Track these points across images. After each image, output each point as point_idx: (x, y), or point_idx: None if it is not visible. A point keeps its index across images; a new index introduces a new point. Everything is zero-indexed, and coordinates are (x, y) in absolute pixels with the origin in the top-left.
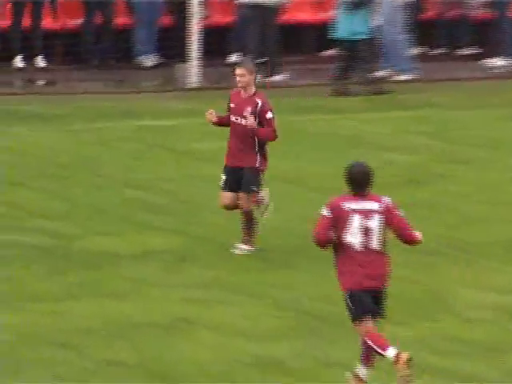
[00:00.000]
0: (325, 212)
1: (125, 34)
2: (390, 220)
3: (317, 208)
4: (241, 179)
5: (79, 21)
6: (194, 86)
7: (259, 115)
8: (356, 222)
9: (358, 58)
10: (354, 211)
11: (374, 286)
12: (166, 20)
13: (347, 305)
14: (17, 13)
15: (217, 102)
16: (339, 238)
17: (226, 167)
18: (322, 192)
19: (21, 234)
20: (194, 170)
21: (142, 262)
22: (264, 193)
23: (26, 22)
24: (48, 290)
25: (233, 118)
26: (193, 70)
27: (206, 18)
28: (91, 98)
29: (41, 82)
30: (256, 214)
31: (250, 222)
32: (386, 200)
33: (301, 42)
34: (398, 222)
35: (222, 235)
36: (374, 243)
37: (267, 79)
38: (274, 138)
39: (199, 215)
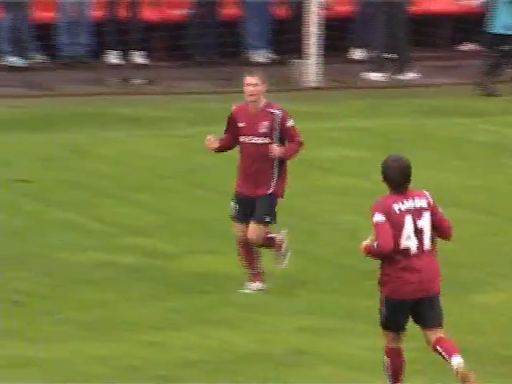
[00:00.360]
0: (380, 217)
1: (233, 26)
2: (434, 216)
3: (469, 232)
4: (253, 208)
5: (183, 12)
6: (312, 85)
7: (281, 128)
8: (409, 223)
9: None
10: (407, 212)
11: (434, 291)
12: (280, 11)
13: (383, 310)
14: (112, 2)
15: (338, 103)
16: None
17: (237, 195)
18: (465, 208)
19: (115, 253)
20: (313, 181)
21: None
22: (282, 236)
23: (122, 12)
24: (145, 316)
25: (244, 139)
26: (311, 67)
27: (327, 8)
28: (195, 98)
29: (138, 81)
30: (275, 262)
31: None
32: (428, 195)
33: (434, 36)
34: (440, 217)
35: (344, 256)
36: (427, 244)
37: (394, 76)
38: (301, 149)
39: (319, 233)
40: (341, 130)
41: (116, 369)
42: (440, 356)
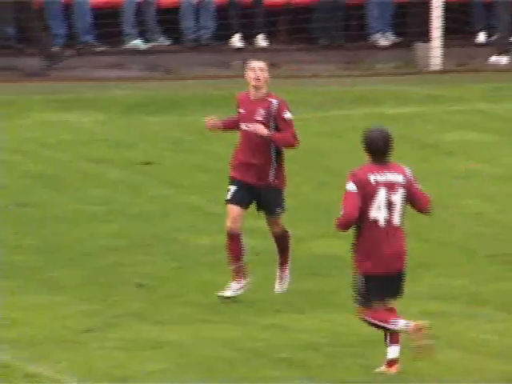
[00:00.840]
0: (351, 187)
1: (357, 9)
2: (410, 193)
3: None
4: (252, 197)
5: None
6: (437, 68)
7: (275, 117)
8: (382, 196)
9: None
10: (380, 184)
11: (399, 268)
12: None
13: (358, 288)
14: None
15: (462, 86)
16: (364, 214)
17: (234, 180)
18: None
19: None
20: (439, 165)
21: None
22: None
23: None
24: (267, 299)
25: (243, 126)
26: (435, 50)
27: None
28: (320, 82)
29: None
30: (276, 283)
31: (286, 245)
32: (408, 172)
33: None
34: (418, 195)
35: (469, 240)
36: (396, 219)
37: None
38: (294, 143)
39: (443, 217)
40: (465, 113)
41: (239, 351)
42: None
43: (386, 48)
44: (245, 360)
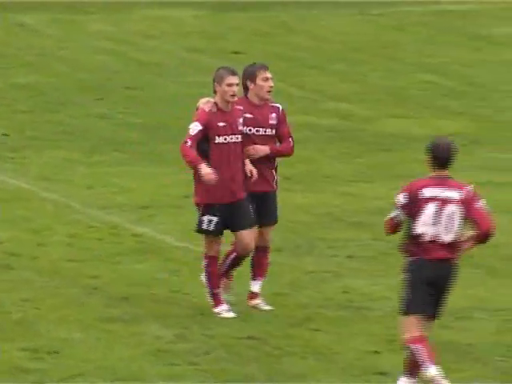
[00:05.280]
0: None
1: None
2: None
3: None
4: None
5: None
6: None
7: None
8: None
9: None
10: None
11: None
12: None
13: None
14: None
15: None
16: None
17: (216, 203)
18: None
19: (317, 116)
20: (491, 55)
21: None
22: None
23: None
24: (341, 171)
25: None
26: None
27: None
28: None
29: None
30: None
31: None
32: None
33: None
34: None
35: None
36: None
37: None
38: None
39: (494, 98)
40: None
41: (316, 216)
42: None
43: None
44: (318, 224)
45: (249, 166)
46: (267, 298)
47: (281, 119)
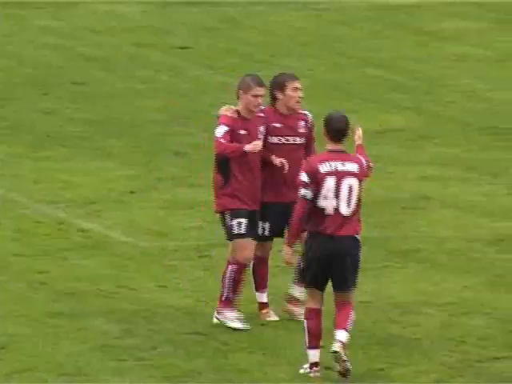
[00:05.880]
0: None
1: None
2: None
3: None
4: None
5: None
6: None
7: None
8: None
9: None
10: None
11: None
12: None
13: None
14: None
15: None
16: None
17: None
18: None
19: None
20: (437, 50)
21: (382, 139)
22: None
23: None
24: None
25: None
26: None
27: None
28: None
29: None
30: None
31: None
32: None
33: None
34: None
35: (462, 114)
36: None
37: None
38: None
39: (441, 93)
40: (461, 4)
41: None
42: None
43: None
44: None
45: (278, 159)
46: (214, 292)
47: (309, 126)
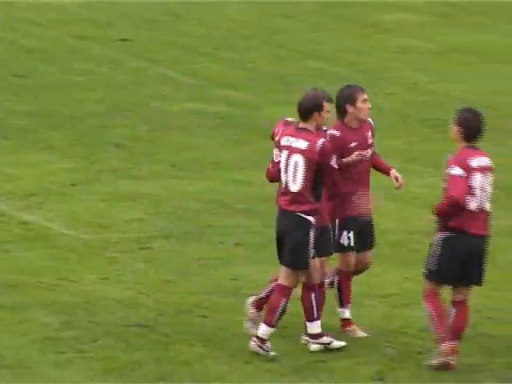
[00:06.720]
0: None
1: None
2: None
3: None
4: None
5: None
6: None
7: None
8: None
9: None
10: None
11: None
12: None
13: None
14: None
15: None
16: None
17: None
18: None
19: (205, 103)
20: (379, 42)
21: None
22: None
23: None
24: (229, 158)
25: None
26: None
27: None
28: None
29: None
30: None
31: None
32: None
33: None
34: None
35: (403, 106)
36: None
37: None
38: None
39: (382, 85)
40: None
41: (204, 203)
42: None
43: None
44: (207, 210)
45: (395, 173)
46: (155, 284)
47: (374, 134)
